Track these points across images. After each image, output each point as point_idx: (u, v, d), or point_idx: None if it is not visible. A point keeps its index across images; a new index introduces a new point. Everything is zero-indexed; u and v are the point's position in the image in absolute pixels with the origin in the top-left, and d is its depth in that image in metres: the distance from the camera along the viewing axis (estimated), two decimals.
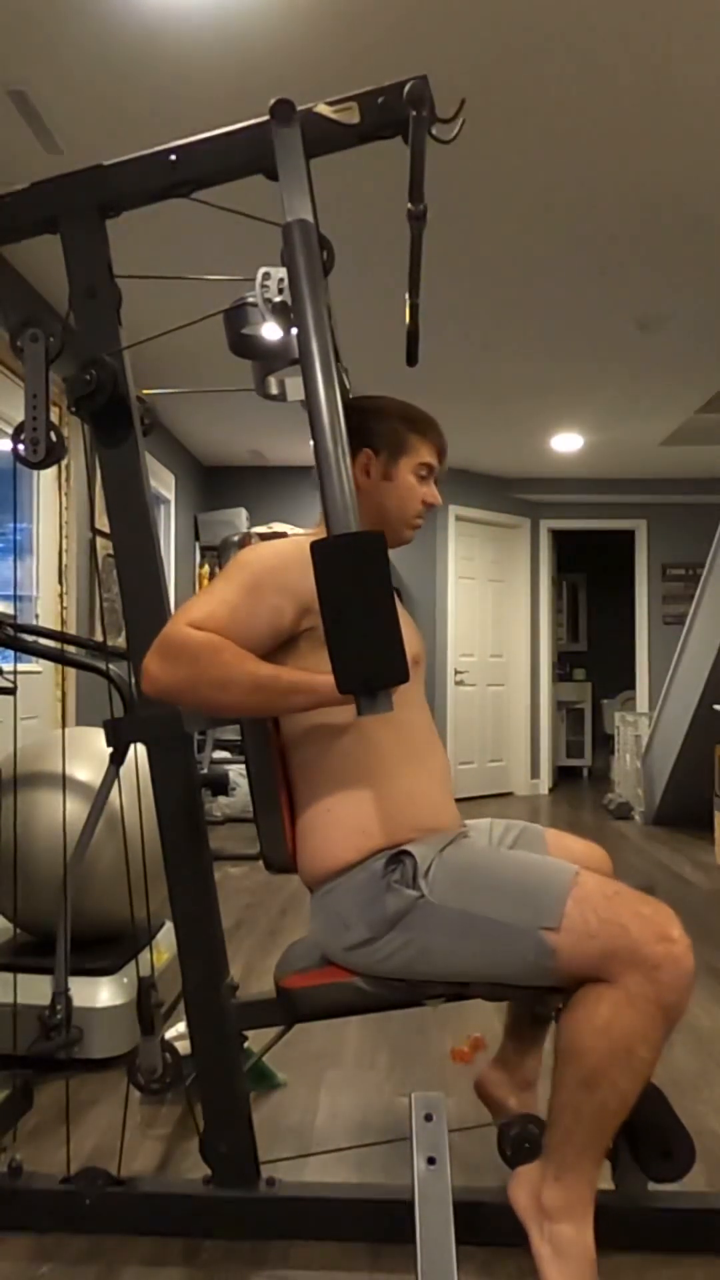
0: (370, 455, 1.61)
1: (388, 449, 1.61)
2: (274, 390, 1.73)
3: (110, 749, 1.99)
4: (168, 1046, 1.77)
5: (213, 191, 1.54)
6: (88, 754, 2.34)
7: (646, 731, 6.02)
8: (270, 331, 1.65)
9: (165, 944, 2.47)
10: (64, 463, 4.05)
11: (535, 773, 7.32)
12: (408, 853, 1.43)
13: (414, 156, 1.39)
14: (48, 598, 4.07)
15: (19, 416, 1.56)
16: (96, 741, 2.36)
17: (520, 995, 1.48)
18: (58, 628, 4.00)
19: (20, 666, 3.51)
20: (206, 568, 6.53)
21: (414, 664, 1.24)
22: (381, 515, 1.62)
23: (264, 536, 1.66)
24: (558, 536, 7.72)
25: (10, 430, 2.01)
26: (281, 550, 1.48)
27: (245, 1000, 1.58)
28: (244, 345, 1.69)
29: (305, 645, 1.46)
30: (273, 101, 1.39)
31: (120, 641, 1.72)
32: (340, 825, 1.48)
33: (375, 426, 1.61)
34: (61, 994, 1.98)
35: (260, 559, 1.48)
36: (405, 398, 1.67)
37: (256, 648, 1.40)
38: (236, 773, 5.62)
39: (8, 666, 2.29)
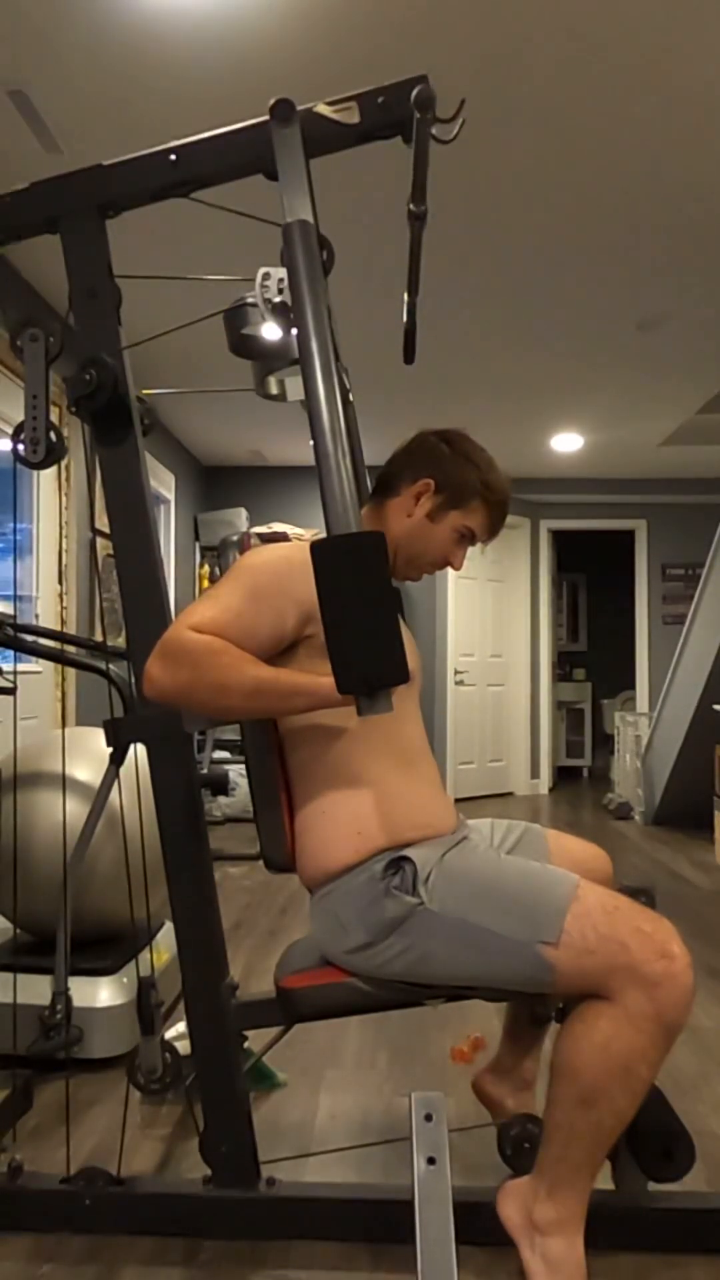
0: (430, 487, 1.57)
1: (450, 494, 1.57)
2: (274, 390, 1.73)
3: (110, 749, 1.99)
4: (168, 1046, 1.77)
5: (213, 191, 1.54)
6: (88, 754, 2.34)
7: (646, 731, 6.02)
8: (270, 331, 1.65)
9: (165, 944, 2.47)
10: (64, 463, 4.05)
11: (535, 773, 7.32)
12: (408, 858, 1.43)
13: (417, 159, 1.39)
14: (48, 598, 4.07)
15: (19, 416, 1.56)
16: (96, 741, 2.36)
17: (520, 996, 1.48)
18: (58, 628, 4.00)
19: (20, 666, 3.51)
20: (206, 568, 6.53)
21: (410, 677, 1.23)
22: (399, 545, 1.58)
23: (264, 537, 1.66)
24: (558, 536, 7.72)
25: (10, 430, 2.01)
26: (287, 555, 1.48)
27: (245, 1000, 1.58)
28: (244, 345, 1.69)
29: (304, 652, 1.46)
30: (272, 101, 1.39)
31: (120, 641, 1.72)
32: (337, 826, 1.48)
33: (453, 468, 1.57)
34: (61, 994, 1.99)
35: (265, 563, 1.47)
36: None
37: (258, 652, 1.39)
38: (236, 773, 5.62)
39: (8, 666, 2.29)
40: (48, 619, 4.03)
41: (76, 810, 2.23)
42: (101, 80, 2.51)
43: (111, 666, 2.03)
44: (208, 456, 6.66)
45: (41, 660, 3.31)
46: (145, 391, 1.69)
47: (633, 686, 7.48)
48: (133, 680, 1.60)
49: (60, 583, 4.14)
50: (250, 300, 1.65)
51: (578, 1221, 1.33)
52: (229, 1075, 1.56)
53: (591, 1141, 1.31)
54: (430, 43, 2.36)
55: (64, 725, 4.04)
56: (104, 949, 2.31)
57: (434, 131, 1.40)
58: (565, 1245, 1.32)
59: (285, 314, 1.36)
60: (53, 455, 1.55)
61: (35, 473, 3.90)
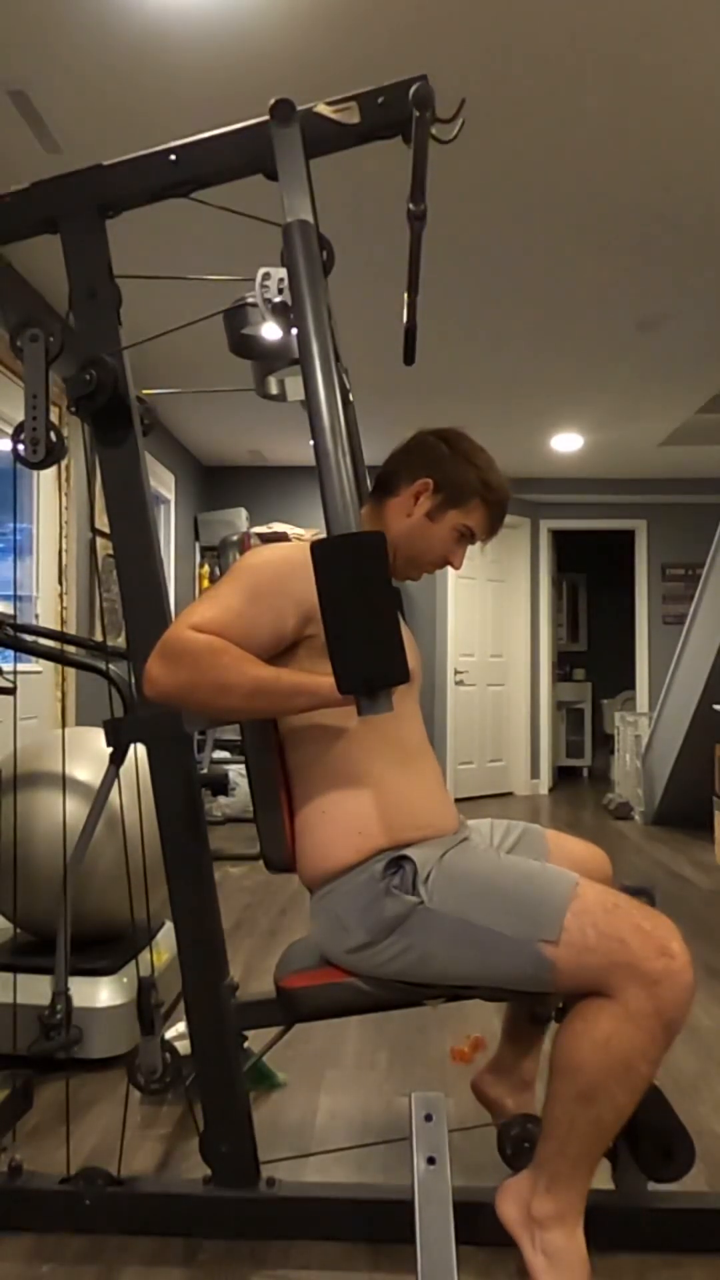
0: (430, 486, 1.57)
1: (449, 493, 1.57)
2: (274, 390, 1.73)
3: (110, 749, 1.99)
4: (168, 1046, 1.77)
5: (213, 191, 1.54)
6: (88, 754, 2.34)
7: (646, 731, 6.02)
8: (270, 331, 1.65)
9: (165, 944, 2.47)
10: (64, 463, 4.05)
11: (535, 773, 7.32)
12: (408, 858, 1.43)
13: (416, 157, 1.39)
14: (48, 598, 4.07)
15: (19, 416, 1.56)
16: (96, 741, 2.36)
17: (520, 995, 1.48)
18: (58, 628, 4.00)
19: (20, 666, 3.50)
20: (206, 568, 6.53)
21: (410, 677, 1.24)
22: (399, 545, 1.58)
23: (264, 537, 1.66)
24: (558, 536, 7.72)
25: (10, 430, 2.01)
26: (288, 556, 1.48)
27: (245, 1000, 1.58)
28: (244, 345, 1.69)
29: (304, 652, 1.46)
30: (272, 101, 1.39)
31: (120, 641, 1.72)
32: (337, 826, 1.48)
33: (451, 467, 1.57)
34: (61, 994, 1.98)
35: (266, 563, 1.47)
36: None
37: (258, 652, 1.40)
38: (236, 773, 5.62)
39: (8, 666, 2.30)
40: (48, 619, 4.03)
41: (76, 810, 2.23)
42: (101, 80, 2.51)
43: (111, 666, 2.03)
44: (208, 456, 6.66)
45: (41, 660, 3.31)
46: (145, 391, 1.68)
47: (633, 686, 7.48)
48: (133, 680, 1.60)
49: (60, 583, 4.13)
50: (250, 300, 1.65)
51: (577, 1215, 1.33)
52: (229, 1075, 1.56)
53: (591, 1137, 1.31)
54: (430, 43, 2.36)
55: (64, 725, 4.04)
56: (104, 949, 2.31)
57: (434, 131, 1.40)
58: (566, 1237, 1.32)
59: (285, 314, 1.35)
60: (53, 455, 1.55)
61: (35, 473, 3.90)
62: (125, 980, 2.23)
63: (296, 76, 2.45)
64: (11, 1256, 1.51)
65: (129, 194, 1.54)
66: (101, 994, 2.19)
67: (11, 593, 3.81)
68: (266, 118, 1.40)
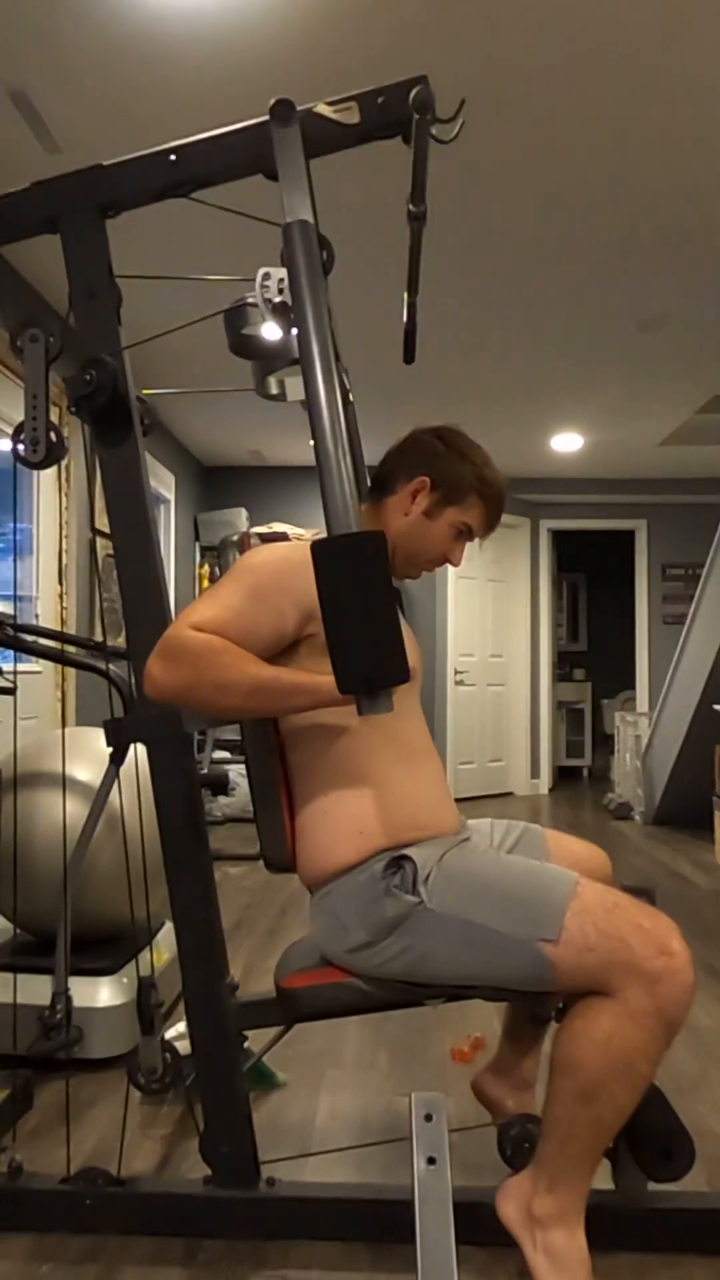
0: (427, 484, 1.57)
1: (446, 490, 1.58)
2: (274, 390, 1.73)
3: (110, 749, 1.99)
4: (168, 1046, 1.77)
5: (213, 191, 1.54)
6: (88, 754, 2.34)
7: (646, 731, 6.02)
8: (270, 331, 1.65)
9: (165, 944, 2.47)
10: (64, 463, 4.05)
11: (535, 773, 7.32)
12: (408, 857, 1.43)
13: (416, 159, 1.39)
14: (48, 598, 4.07)
15: (19, 416, 1.56)
16: (96, 741, 2.36)
17: (521, 995, 1.48)
18: (58, 628, 4.00)
19: (20, 666, 3.51)
20: (206, 568, 6.53)
21: (411, 674, 1.24)
22: (398, 544, 1.58)
23: (264, 537, 1.66)
24: (558, 536, 7.72)
25: (10, 430, 2.01)
26: (288, 555, 1.48)
27: (245, 1000, 1.58)
28: (244, 345, 1.69)
29: (305, 650, 1.46)
30: (273, 101, 1.39)
31: (120, 641, 1.72)
32: (338, 826, 1.48)
33: (448, 464, 1.58)
34: (61, 994, 1.99)
35: (266, 563, 1.47)
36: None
37: (258, 651, 1.40)
38: (236, 773, 5.62)
39: (8, 666, 2.30)
40: (48, 619, 4.03)
41: (76, 810, 2.23)
42: (101, 80, 2.51)
43: (111, 666, 2.03)
44: (208, 456, 6.66)
45: (41, 660, 3.31)
46: (145, 391, 1.68)
47: (633, 686, 7.48)
48: (133, 680, 1.60)
49: (60, 583, 4.13)
50: (250, 300, 1.65)
51: (578, 1214, 1.33)
52: (229, 1075, 1.56)
53: (591, 1136, 1.31)
54: (430, 43, 2.36)
55: (64, 725, 4.04)
56: (104, 949, 2.31)
57: (434, 132, 1.40)
58: (567, 1236, 1.32)
59: (285, 314, 1.36)
60: (53, 455, 1.55)
61: (35, 473, 3.90)
62: (125, 980, 2.23)
63: (296, 76, 2.45)
64: (11, 1256, 1.51)
65: (129, 194, 1.54)
66: (101, 994, 2.19)
67: (11, 593, 3.81)
68: (266, 118, 1.40)
